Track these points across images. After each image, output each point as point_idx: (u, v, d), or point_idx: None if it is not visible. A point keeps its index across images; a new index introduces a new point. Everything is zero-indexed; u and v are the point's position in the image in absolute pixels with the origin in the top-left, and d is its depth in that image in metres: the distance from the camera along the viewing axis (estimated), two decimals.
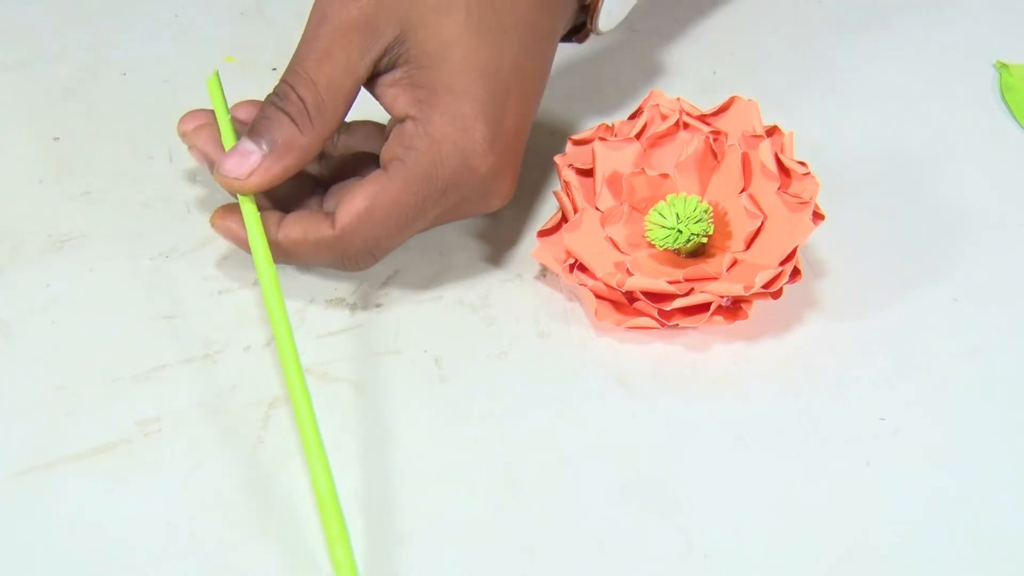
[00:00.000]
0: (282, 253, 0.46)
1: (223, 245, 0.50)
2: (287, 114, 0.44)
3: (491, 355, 0.47)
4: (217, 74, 0.48)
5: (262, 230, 0.44)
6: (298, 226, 0.45)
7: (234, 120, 0.47)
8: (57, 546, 0.41)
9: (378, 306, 0.48)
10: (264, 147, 0.44)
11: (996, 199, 0.52)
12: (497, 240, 0.51)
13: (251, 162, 0.44)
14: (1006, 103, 0.56)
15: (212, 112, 0.48)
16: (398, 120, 0.45)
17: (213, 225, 0.46)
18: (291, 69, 0.45)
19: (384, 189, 0.44)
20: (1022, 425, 0.45)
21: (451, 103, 0.44)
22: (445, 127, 0.44)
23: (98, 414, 0.44)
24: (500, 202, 0.47)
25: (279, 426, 0.44)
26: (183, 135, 0.47)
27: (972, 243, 0.51)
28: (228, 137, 0.46)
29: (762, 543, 0.42)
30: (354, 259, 0.45)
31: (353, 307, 0.48)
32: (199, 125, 0.47)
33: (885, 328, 0.48)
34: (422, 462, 0.44)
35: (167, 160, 0.53)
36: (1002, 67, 0.57)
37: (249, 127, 0.45)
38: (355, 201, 0.44)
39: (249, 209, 0.45)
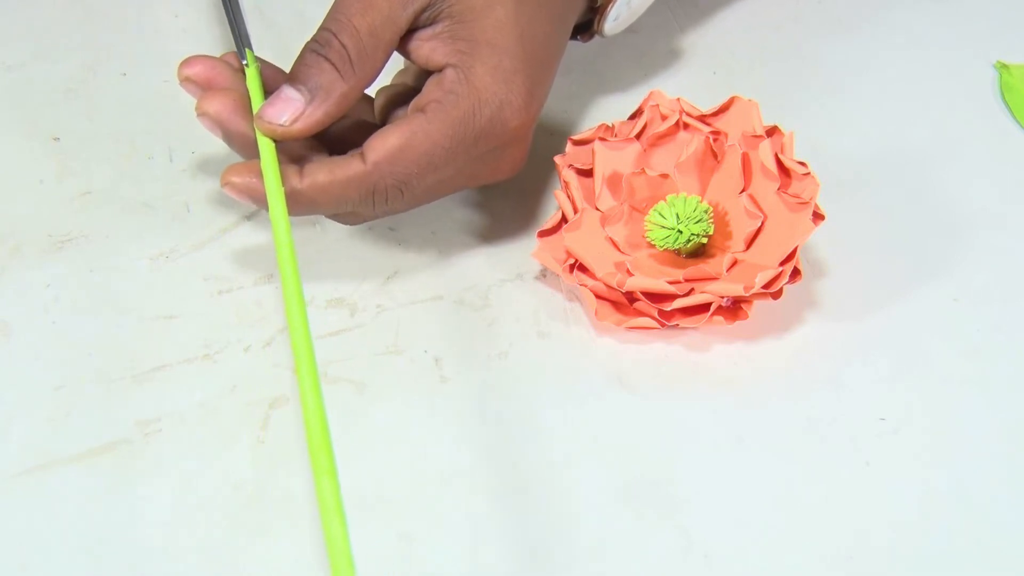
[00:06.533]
0: (307, 202, 0.45)
1: (223, 245, 0.50)
2: (328, 60, 0.44)
3: (491, 355, 0.47)
4: (257, 68, 0.47)
5: (279, 179, 0.44)
6: (323, 169, 0.44)
7: (187, 80, 0.46)
8: (57, 546, 0.41)
9: (378, 306, 0.48)
10: (306, 93, 0.44)
11: (996, 199, 0.52)
12: (497, 240, 0.51)
13: (294, 108, 0.44)
14: (1006, 103, 0.56)
15: (216, 60, 0.47)
16: (436, 70, 0.46)
17: (230, 184, 0.44)
18: (333, 16, 0.45)
19: (421, 128, 0.44)
20: (1022, 425, 0.45)
21: (492, 56, 0.45)
22: (485, 77, 0.45)
23: (98, 414, 0.45)
24: (510, 171, 0.48)
25: (279, 426, 0.44)
26: (184, 80, 0.46)
27: (972, 243, 0.51)
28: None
29: (762, 543, 0.42)
30: (383, 195, 0.45)
31: (353, 307, 0.48)
32: (210, 86, 0.46)
33: (885, 328, 0.48)
34: (422, 462, 0.44)
35: (167, 160, 0.53)
36: (1002, 67, 0.57)
37: (289, 74, 0.45)
38: (389, 138, 0.44)
39: (270, 162, 0.44)
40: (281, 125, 0.44)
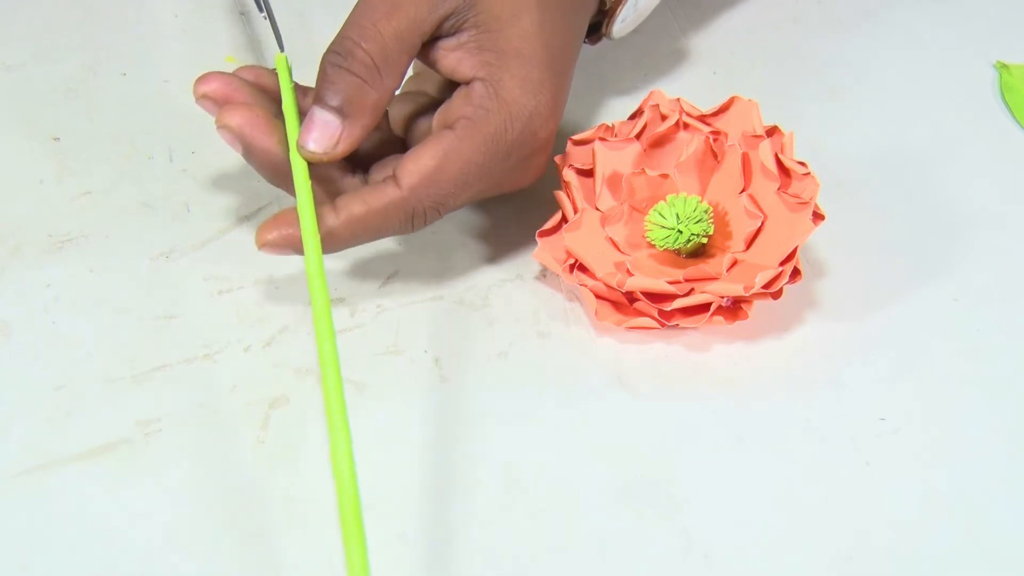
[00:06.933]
0: (348, 237, 0.44)
1: (223, 245, 0.50)
2: (351, 72, 0.43)
3: (491, 355, 0.47)
4: (286, 58, 0.47)
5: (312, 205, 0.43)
6: (357, 200, 0.44)
7: (204, 97, 0.45)
8: (57, 546, 0.41)
9: (378, 306, 0.48)
10: (338, 113, 0.43)
11: (996, 199, 0.52)
12: (497, 240, 0.51)
13: (332, 131, 0.43)
14: (1006, 103, 0.56)
15: (232, 76, 0.46)
16: (462, 82, 0.45)
17: (267, 243, 0.44)
18: (355, 22, 0.43)
19: (454, 148, 0.44)
20: (1022, 425, 0.45)
21: (520, 67, 0.45)
22: (515, 89, 0.44)
23: (98, 414, 0.44)
24: (533, 178, 0.48)
25: (279, 426, 0.44)
26: (201, 98, 0.45)
27: (972, 243, 0.51)
28: (292, 122, 0.45)
29: (762, 543, 0.42)
30: (423, 216, 0.45)
31: (353, 307, 0.48)
32: (228, 102, 0.45)
33: (885, 328, 0.48)
34: (422, 462, 0.44)
35: (167, 160, 0.53)
36: (1002, 67, 0.57)
37: (314, 94, 0.44)
38: (422, 160, 0.44)
39: (306, 201, 0.43)
40: (326, 152, 0.43)
